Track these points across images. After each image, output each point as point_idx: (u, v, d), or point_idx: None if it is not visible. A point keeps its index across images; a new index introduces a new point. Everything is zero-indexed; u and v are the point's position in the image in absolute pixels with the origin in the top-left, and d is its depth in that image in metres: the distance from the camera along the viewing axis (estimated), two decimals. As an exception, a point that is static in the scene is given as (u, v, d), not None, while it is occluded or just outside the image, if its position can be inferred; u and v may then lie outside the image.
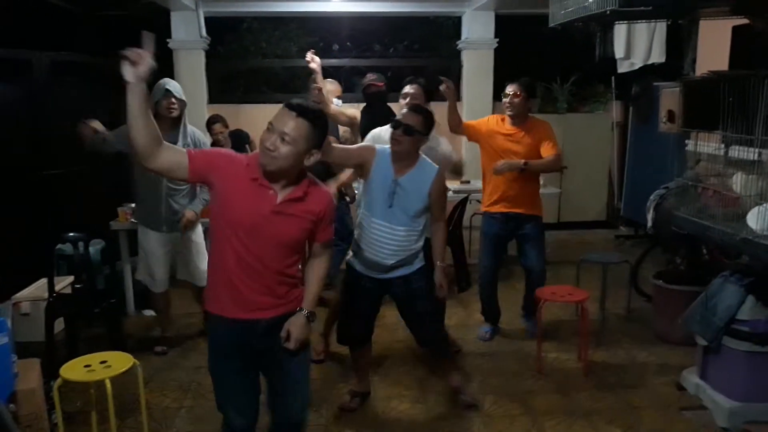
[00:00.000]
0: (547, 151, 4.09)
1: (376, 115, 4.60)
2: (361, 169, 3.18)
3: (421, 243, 3.21)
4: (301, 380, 2.47)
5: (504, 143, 4.13)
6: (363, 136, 4.67)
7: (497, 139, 4.15)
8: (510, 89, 4.10)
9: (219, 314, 2.33)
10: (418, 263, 3.23)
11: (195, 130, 4.05)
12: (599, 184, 7.90)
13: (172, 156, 2.17)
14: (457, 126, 4.27)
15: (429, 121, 3.14)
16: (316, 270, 2.47)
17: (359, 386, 3.58)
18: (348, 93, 5.87)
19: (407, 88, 3.84)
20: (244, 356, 2.37)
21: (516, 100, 4.07)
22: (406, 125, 3.05)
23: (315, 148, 2.22)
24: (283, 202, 2.23)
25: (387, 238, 3.09)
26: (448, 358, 3.68)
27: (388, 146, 3.12)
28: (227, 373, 2.40)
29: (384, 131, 3.66)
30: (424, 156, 3.20)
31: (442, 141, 3.88)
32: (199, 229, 4.22)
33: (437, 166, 3.20)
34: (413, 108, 3.22)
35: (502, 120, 4.21)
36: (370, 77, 4.50)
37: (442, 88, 4.06)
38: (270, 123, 2.16)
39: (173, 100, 3.84)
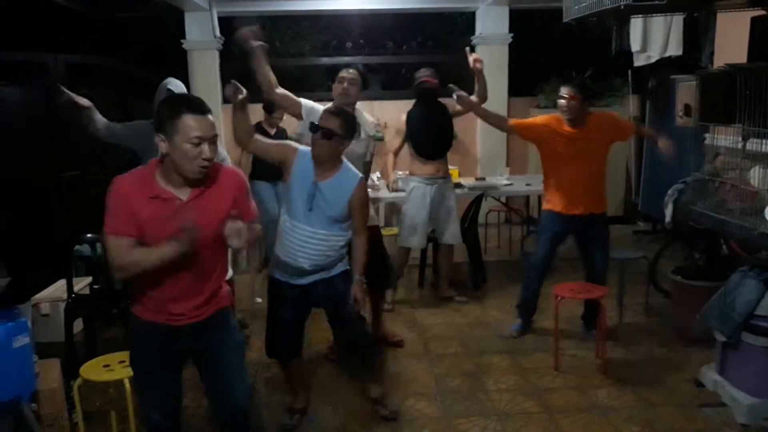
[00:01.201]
0: (625, 134, 4.27)
1: (428, 111, 4.54)
2: (283, 168, 3.05)
3: (344, 249, 3.11)
4: (240, 366, 2.49)
5: (569, 149, 4.00)
6: (412, 131, 4.59)
7: (561, 142, 4.03)
8: (565, 92, 3.97)
9: (139, 316, 2.34)
10: (341, 267, 3.12)
11: None
12: (617, 180, 7.82)
13: None
14: (501, 127, 4.25)
15: (349, 124, 3.03)
16: None
17: (297, 402, 3.42)
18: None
19: (343, 72, 3.62)
20: (167, 358, 2.36)
21: (573, 103, 3.94)
22: (324, 129, 2.93)
23: None
24: (189, 201, 2.19)
25: (307, 241, 2.97)
26: (372, 366, 3.53)
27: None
28: (148, 372, 2.38)
29: (318, 106, 3.50)
30: (347, 162, 3.09)
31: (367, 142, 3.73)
32: None
33: (360, 175, 3.09)
34: (332, 111, 3.07)
35: (561, 121, 4.06)
36: (424, 72, 4.42)
37: (454, 97, 4.00)
38: (197, 137, 2.09)
39: None
